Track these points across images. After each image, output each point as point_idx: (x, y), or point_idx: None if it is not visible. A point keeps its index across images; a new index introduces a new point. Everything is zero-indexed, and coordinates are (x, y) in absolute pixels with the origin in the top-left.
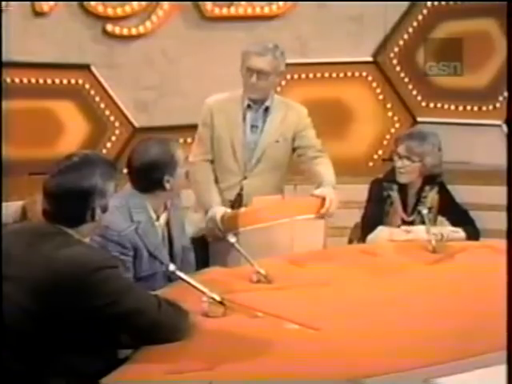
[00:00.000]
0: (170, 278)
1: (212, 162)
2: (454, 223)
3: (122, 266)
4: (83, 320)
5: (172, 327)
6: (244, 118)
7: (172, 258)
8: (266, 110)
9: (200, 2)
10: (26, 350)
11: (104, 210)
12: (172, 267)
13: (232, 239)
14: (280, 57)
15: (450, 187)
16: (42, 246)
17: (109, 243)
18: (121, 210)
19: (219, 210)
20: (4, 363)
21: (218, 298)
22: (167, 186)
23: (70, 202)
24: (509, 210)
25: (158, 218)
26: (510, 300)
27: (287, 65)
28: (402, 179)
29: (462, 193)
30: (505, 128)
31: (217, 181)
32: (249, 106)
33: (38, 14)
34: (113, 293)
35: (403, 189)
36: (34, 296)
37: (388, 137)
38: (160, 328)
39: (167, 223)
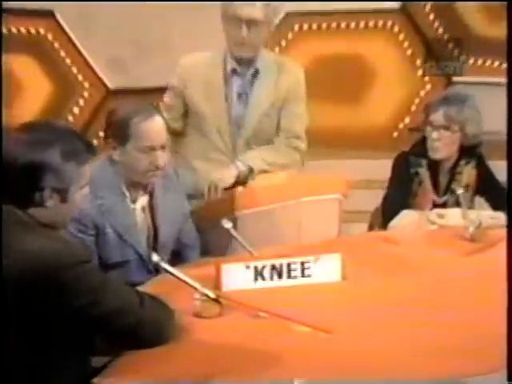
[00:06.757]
0: (150, 269)
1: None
2: (495, 205)
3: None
4: (52, 323)
5: (158, 324)
6: (228, 85)
7: (157, 251)
8: (255, 73)
9: None
10: (10, 348)
11: (63, 198)
12: (155, 258)
13: (227, 224)
14: (271, 3)
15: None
16: (8, 236)
17: None
18: None
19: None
20: None
21: (212, 295)
22: (114, 154)
23: (16, 178)
24: (509, 209)
25: (134, 202)
26: (510, 300)
27: (296, 14)
28: (439, 154)
29: (501, 169)
30: None
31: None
32: (234, 71)
33: None
34: (89, 292)
35: (434, 164)
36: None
37: (417, 101)
38: (144, 325)
39: (151, 209)
